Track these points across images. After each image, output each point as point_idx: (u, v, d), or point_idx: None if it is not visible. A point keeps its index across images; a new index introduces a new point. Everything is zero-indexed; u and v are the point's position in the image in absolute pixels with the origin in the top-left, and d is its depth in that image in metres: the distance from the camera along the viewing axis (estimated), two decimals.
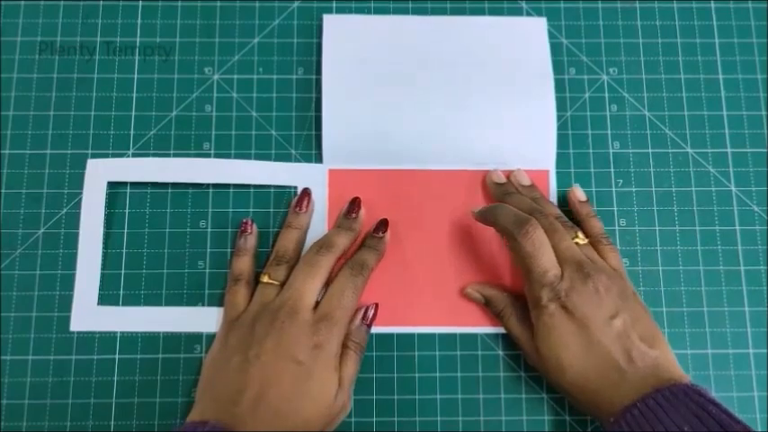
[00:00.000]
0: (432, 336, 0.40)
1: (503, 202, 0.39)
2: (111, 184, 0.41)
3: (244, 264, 0.39)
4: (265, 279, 0.38)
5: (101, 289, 0.40)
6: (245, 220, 0.40)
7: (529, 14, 0.45)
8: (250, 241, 0.40)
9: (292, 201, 0.41)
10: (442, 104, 0.42)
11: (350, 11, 0.45)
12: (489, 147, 0.42)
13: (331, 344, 0.35)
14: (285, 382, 0.34)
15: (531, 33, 0.44)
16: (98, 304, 0.40)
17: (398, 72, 0.43)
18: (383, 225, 0.40)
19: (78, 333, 0.40)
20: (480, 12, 0.45)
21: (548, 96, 0.43)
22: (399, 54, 0.43)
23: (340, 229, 0.40)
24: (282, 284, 0.38)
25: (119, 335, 0.40)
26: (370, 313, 0.38)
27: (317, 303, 0.37)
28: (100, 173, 0.41)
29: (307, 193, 0.41)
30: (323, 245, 0.38)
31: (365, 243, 0.40)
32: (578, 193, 0.41)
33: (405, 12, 0.45)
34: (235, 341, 0.36)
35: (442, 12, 0.45)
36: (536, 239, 0.35)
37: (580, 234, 0.38)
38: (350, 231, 0.39)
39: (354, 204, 0.40)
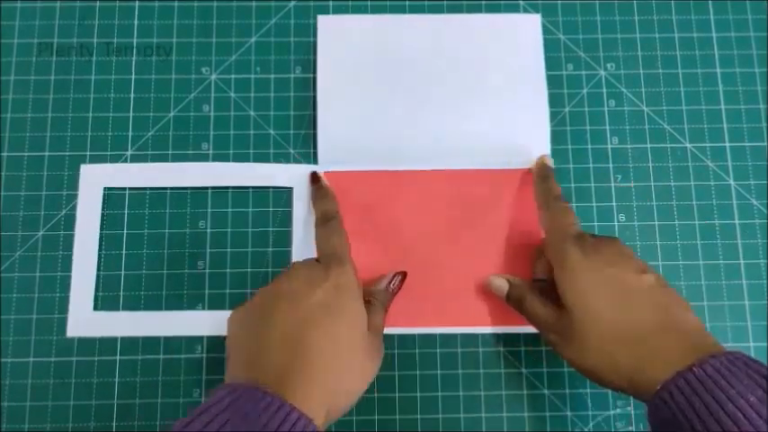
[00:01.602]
0: (432, 334, 0.40)
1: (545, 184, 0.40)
2: (108, 187, 0.41)
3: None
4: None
5: (100, 290, 0.40)
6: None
7: (526, 11, 0.45)
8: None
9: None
10: (436, 103, 0.42)
11: (347, 10, 0.45)
12: (485, 144, 0.42)
13: (350, 282, 0.34)
14: (315, 324, 0.32)
15: (526, 30, 0.44)
16: (94, 309, 0.40)
17: (393, 71, 0.43)
18: (314, 178, 0.41)
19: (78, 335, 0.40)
20: (477, 9, 0.45)
21: (541, 94, 0.43)
22: (394, 53, 0.43)
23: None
24: None
25: (119, 337, 0.40)
26: (396, 280, 0.38)
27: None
28: (94, 179, 0.41)
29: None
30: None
31: (312, 197, 0.40)
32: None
33: (402, 10, 0.45)
34: (252, 307, 0.34)
35: (439, 9, 0.45)
36: (568, 208, 0.37)
37: None
38: (325, 196, 0.40)
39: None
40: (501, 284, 0.38)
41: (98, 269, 0.40)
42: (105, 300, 0.40)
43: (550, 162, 0.41)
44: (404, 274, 0.39)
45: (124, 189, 0.42)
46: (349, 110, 0.42)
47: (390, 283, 0.38)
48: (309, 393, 0.29)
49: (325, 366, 0.31)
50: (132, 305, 0.40)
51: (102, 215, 0.41)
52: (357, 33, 0.44)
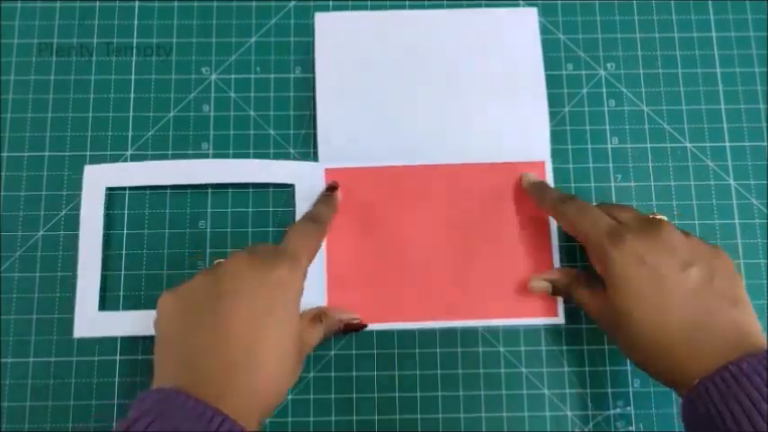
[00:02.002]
0: (432, 333, 0.40)
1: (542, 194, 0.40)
2: (110, 186, 0.41)
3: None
4: None
5: (101, 291, 0.40)
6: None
7: None
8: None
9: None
10: (435, 99, 0.43)
11: (346, 9, 0.45)
12: (485, 140, 0.42)
13: (294, 284, 0.32)
14: (251, 329, 0.30)
15: (522, 23, 0.44)
16: (99, 310, 0.40)
17: (392, 68, 0.43)
18: (332, 186, 0.41)
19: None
20: (476, 5, 0.45)
21: (539, 87, 0.43)
22: (392, 50, 0.43)
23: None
24: None
25: (119, 337, 0.40)
26: (354, 322, 0.39)
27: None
28: (97, 179, 0.41)
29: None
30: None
31: (318, 200, 0.40)
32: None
33: (401, 6, 0.45)
34: (189, 297, 0.33)
35: (439, 5, 0.45)
36: (582, 203, 0.37)
37: None
38: (329, 203, 0.40)
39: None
40: (543, 287, 0.39)
41: (102, 270, 0.40)
42: (107, 300, 0.40)
43: (533, 177, 0.41)
44: (363, 326, 0.39)
45: (124, 189, 0.42)
46: (348, 107, 0.42)
47: (348, 320, 0.38)
48: (246, 402, 0.29)
49: (263, 373, 0.30)
50: (133, 305, 0.40)
51: (105, 215, 0.41)
52: (355, 30, 0.44)
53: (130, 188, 0.42)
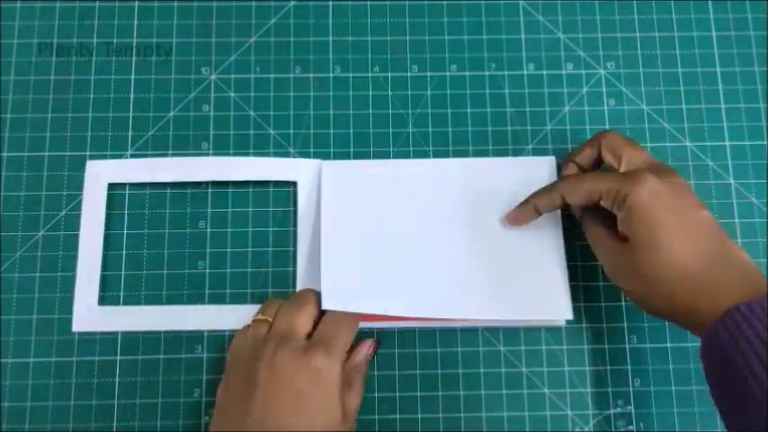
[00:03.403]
0: (432, 332, 0.40)
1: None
2: (110, 185, 0.41)
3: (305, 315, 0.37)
4: (258, 316, 0.38)
5: (101, 291, 0.40)
6: (375, 340, 0.39)
7: (526, 11, 0.45)
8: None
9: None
10: (446, 249, 0.40)
11: (346, 9, 0.45)
12: (500, 295, 0.39)
13: (332, 370, 0.34)
14: (285, 415, 0.32)
15: (539, 172, 0.41)
16: (99, 304, 0.40)
17: (398, 217, 0.41)
18: (376, 344, 0.39)
19: (79, 335, 0.40)
20: (477, 9, 0.45)
21: (558, 241, 0.40)
22: (399, 198, 0.41)
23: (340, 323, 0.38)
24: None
25: (120, 336, 0.40)
26: (373, 348, 0.39)
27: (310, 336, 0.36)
28: (100, 174, 0.41)
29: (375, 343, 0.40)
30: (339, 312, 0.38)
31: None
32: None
33: (402, 9, 0.45)
34: (232, 382, 0.35)
35: (439, 9, 0.45)
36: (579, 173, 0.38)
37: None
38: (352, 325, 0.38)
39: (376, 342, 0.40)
40: (548, 202, 0.37)
41: (102, 270, 0.41)
42: (107, 299, 0.40)
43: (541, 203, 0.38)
44: (377, 341, 0.39)
45: (124, 189, 0.42)
46: (353, 255, 0.40)
47: (368, 350, 0.38)
48: None
49: None
50: (133, 305, 0.40)
51: (105, 216, 0.41)
52: (362, 180, 0.42)
53: (130, 188, 0.42)
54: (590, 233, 0.37)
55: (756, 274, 0.32)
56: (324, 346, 0.34)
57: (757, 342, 0.28)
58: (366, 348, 0.38)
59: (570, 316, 0.39)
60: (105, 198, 0.41)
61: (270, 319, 0.37)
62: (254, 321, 0.38)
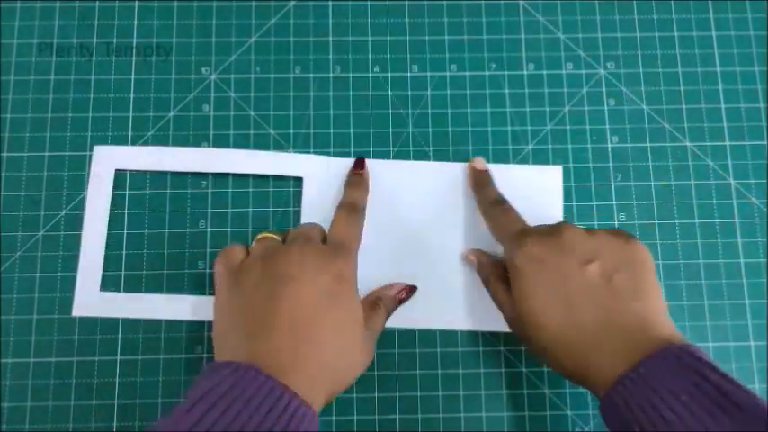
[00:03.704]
0: (433, 332, 0.40)
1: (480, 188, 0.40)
2: (113, 186, 0.42)
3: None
4: (261, 236, 0.36)
5: (101, 289, 0.40)
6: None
7: (526, 11, 0.45)
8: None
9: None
10: (448, 256, 0.41)
11: (346, 10, 0.45)
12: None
13: (352, 275, 0.34)
14: (317, 313, 0.31)
15: (545, 181, 0.42)
16: (100, 290, 0.40)
17: (399, 221, 0.41)
18: (360, 163, 0.41)
19: (80, 335, 0.40)
20: (477, 8, 0.45)
21: None
22: (400, 201, 0.41)
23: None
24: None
25: (120, 337, 0.40)
26: (404, 293, 0.39)
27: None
28: (107, 160, 0.42)
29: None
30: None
31: (348, 182, 0.40)
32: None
33: (401, 8, 0.45)
34: (248, 278, 0.33)
35: (439, 8, 0.45)
36: (509, 207, 0.38)
37: None
38: (360, 185, 0.40)
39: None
40: (471, 260, 0.39)
41: (102, 270, 0.41)
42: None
43: (481, 164, 0.41)
44: (413, 288, 0.39)
45: (124, 189, 0.42)
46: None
47: (399, 292, 0.38)
48: (312, 380, 0.30)
49: (329, 354, 0.31)
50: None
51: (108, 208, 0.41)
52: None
53: (131, 188, 0.42)
54: (492, 286, 0.37)
55: (643, 334, 0.30)
56: (344, 249, 0.34)
57: (649, 407, 0.26)
58: (397, 289, 0.38)
59: None
60: (111, 185, 0.41)
61: (276, 237, 0.36)
62: (259, 239, 0.36)
